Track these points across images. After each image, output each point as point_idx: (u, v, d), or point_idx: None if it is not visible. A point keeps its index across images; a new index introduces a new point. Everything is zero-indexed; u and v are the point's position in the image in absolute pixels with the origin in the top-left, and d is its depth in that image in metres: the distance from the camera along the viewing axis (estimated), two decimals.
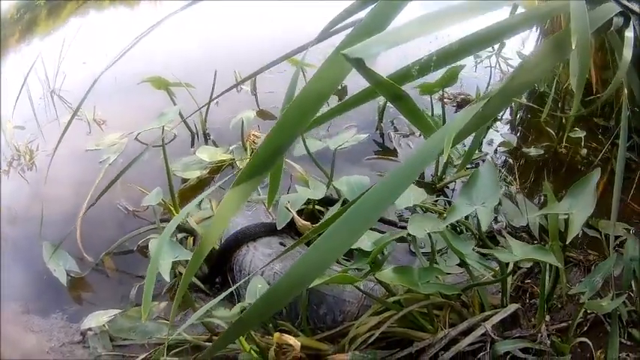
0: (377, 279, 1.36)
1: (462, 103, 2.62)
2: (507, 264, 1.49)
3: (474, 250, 1.46)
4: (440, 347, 1.37)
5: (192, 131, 2.50)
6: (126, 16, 4.51)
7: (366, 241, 1.39)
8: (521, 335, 1.44)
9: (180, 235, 1.86)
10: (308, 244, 1.36)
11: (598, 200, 1.38)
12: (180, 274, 1.69)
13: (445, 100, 2.44)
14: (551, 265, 1.46)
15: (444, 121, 2.13)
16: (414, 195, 1.61)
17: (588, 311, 1.57)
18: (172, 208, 1.88)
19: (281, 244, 1.71)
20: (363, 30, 0.94)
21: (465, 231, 1.81)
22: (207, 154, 2.22)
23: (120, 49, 1.45)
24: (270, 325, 1.48)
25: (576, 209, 1.38)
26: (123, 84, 2.62)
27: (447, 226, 1.35)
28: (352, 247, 1.36)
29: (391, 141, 2.39)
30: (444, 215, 1.45)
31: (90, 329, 1.57)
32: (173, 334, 1.46)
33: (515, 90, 1.14)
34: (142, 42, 1.45)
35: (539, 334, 1.44)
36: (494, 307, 1.49)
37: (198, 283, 1.71)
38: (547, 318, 1.55)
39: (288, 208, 1.72)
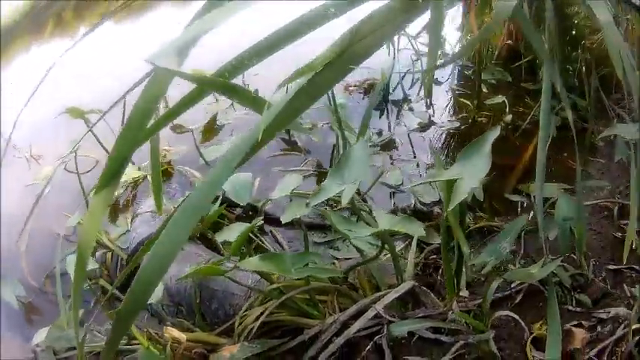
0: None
1: (368, 89, 2.60)
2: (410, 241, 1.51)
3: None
4: (332, 333, 1.32)
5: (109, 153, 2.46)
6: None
7: (233, 233, 1.38)
8: (425, 315, 1.39)
9: (101, 251, 1.90)
10: None
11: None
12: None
13: (351, 88, 2.46)
14: (450, 239, 1.42)
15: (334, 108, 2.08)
16: (294, 181, 1.56)
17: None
18: None
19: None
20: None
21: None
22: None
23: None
24: (169, 323, 1.50)
25: (467, 173, 1.31)
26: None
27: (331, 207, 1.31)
28: (228, 240, 1.38)
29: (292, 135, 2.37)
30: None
31: (37, 345, 1.62)
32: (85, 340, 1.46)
33: (356, 55, 1.09)
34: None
35: (450, 312, 1.39)
36: (391, 287, 1.44)
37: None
38: (466, 294, 1.51)
39: None
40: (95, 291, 1.72)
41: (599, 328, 1.46)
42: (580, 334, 1.42)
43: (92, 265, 1.66)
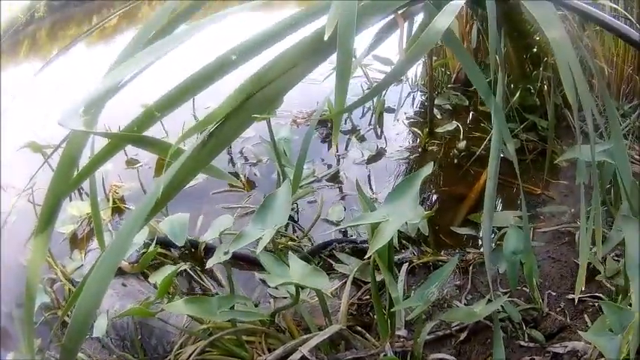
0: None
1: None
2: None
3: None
4: None
5: None
6: None
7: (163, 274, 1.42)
8: (355, 357, 1.38)
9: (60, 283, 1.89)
10: None
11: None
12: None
13: (299, 120, 2.46)
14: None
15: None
16: (224, 222, 1.56)
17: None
18: (52, 262, 1.92)
19: (123, 284, 1.76)
20: None
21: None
22: (77, 209, 2.23)
23: None
24: (114, 356, 1.54)
25: (394, 215, 1.30)
26: None
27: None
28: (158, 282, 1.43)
29: (237, 170, 2.36)
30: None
31: None
32: None
33: (265, 99, 1.10)
34: None
35: (383, 354, 1.38)
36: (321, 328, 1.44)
37: None
38: (404, 333, 1.50)
39: None
40: (52, 322, 1.70)
41: None
42: None
43: (44, 298, 1.68)
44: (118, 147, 1.15)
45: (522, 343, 1.51)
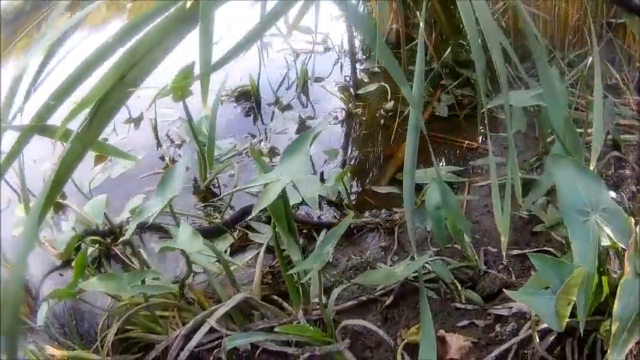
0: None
1: (239, 97, 2.60)
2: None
3: None
4: (178, 348, 1.35)
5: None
6: None
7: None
8: (267, 326, 1.40)
9: None
10: None
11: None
12: None
13: (223, 97, 2.47)
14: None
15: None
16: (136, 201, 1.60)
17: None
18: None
19: (60, 274, 1.79)
20: None
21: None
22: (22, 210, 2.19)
23: None
24: (55, 343, 1.54)
25: (285, 174, 1.31)
26: None
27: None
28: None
29: (164, 153, 2.36)
30: None
31: None
32: None
33: (142, 72, 1.12)
34: None
35: (296, 321, 1.40)
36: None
37: None
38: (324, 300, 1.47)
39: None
40: None
41: (497, 328, 1.39)
42: (456, 342, 1.35)
43: None
44: (26, 138, 1.16)
45: (459, 305, 1.48)
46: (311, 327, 1.38)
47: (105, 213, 1.78)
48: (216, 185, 2.08)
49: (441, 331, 1.37)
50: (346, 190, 1.92)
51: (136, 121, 2.49)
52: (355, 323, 1.42)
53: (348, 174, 2.05)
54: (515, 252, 1.57)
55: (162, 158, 2.26)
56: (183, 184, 1.42)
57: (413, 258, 1.41)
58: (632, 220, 1.11)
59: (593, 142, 1.33)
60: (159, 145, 2.34)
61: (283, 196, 1.34)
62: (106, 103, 1.10)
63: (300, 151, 1.34)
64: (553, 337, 1.26)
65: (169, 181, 1.38)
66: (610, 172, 1.90)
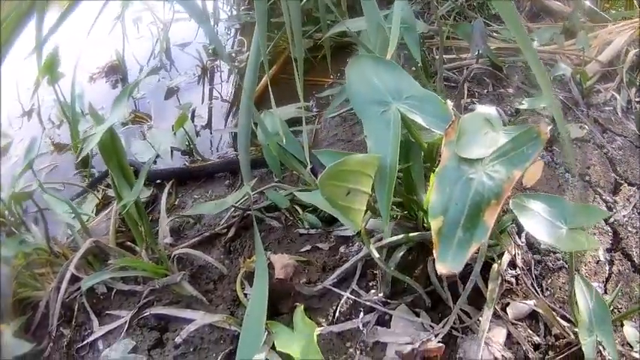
0: None
1: (108, 72, 2.75)
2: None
3: None
4: (54, 300, 1.44)
5: None
6: None
7: None
8: (114, 267, 1.50)
9: None
10: None
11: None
12: None
13: (95, 75, 2.70)
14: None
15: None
16: None
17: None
18: None
19: None
20: None
21: None
22: None
23: None
24: None
25: (108, 121, 1.43)
26: None
27: None
28: None
29: (48, 135, 2.43)
30: None
31: None
32: None
33: None
34: None
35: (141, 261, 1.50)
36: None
37: None
38: (169, 240, 1.63)
39: None
40: None
41: (342, 249, 1.45)
42: (279, 261, 1.36)
43: None
44: None
45: (302, 230, 1.53)
46: (151, 262, 1.49)
47: None
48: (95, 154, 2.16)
49: (269, 253, 1.41)
50: (189, 137, 2.11)
51: (29, 113, 2.56)
52: (184, 252, 1.52)
53: (190, 121, 2.24)
54: None
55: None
56: None
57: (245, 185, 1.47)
58: (450, 103, 1.06)
59: (391, 37, 1.25)
60: (43, 129, 2.44)
61: (112, 138, 1.45)
62: None
63: (120, 100, 1.51)
64: (402, 252, 1.25)
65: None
66: (486, 91, 2.09)
